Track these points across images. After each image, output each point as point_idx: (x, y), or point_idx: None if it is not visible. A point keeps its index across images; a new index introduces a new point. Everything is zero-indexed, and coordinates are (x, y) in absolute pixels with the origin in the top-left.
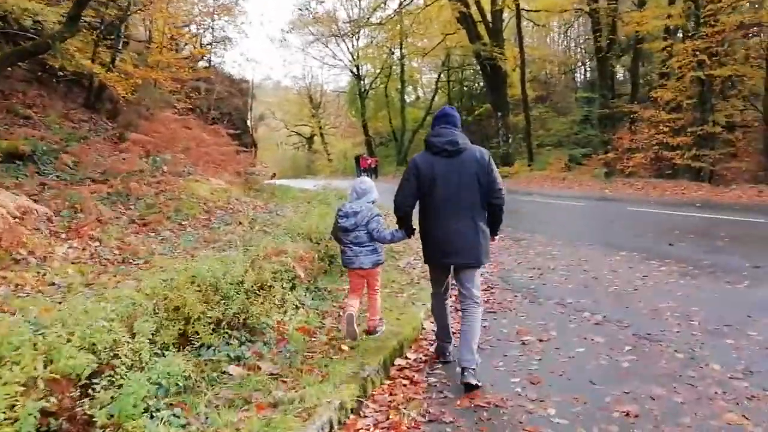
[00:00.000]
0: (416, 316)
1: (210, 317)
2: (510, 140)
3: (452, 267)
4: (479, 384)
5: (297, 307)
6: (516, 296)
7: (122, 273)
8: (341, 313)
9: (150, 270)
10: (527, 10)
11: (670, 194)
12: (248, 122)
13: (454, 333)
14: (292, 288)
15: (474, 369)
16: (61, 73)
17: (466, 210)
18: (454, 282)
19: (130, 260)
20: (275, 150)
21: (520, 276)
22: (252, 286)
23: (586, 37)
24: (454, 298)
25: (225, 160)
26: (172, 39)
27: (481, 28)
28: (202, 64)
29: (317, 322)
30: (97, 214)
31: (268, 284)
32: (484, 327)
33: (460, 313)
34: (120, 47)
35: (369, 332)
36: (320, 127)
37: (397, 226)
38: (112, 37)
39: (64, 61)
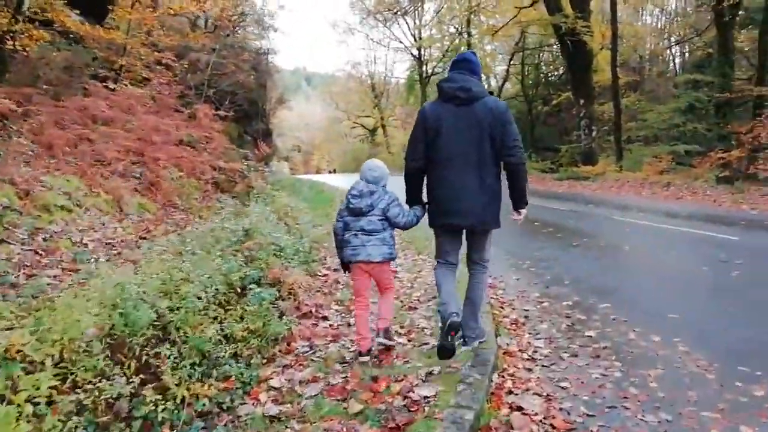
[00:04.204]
0: None
1: None
2: (594, 134)
3: (462, 232)
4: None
5: None
6: None
7: None
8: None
9: None
10: None
11: None
12: (263, 106)
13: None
14: None
15: (475, 336)
16: None
17: (474, 164)
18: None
19: None
20: (341, 142)
21: None
22: None
23: (696, 4)
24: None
25: (170, 152)
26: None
27: None
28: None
29: None
30: None
31: None
32: None
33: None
34: None
35: (378, 332)
36: (382, 118)
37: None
38: None
39: None
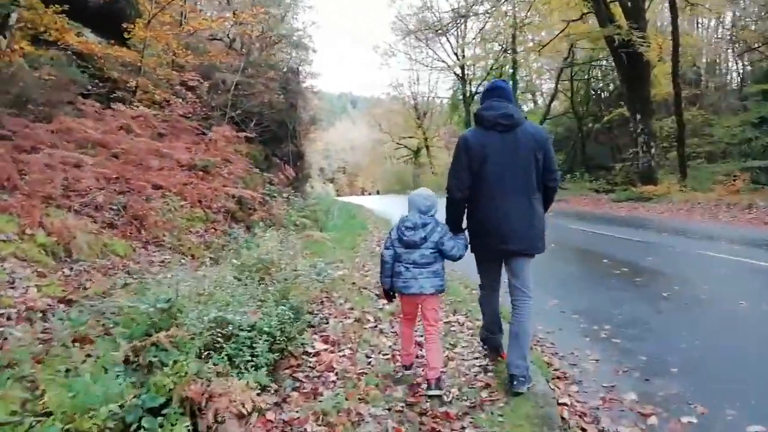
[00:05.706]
0: None
1: None
2: (653, 150)
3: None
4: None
5: None
6: None
7: None
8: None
9: None
10: None
11: None
12: (293, 127)
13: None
14: None
15: (525, 377)
16: None
17: (522, 190)
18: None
19: None
20: (384, 164)
21: None
22: None
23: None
24: None
25: (172, 178)
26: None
27: (616, 9)
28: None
29: None
30: None
31: None
32: None
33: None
34: None
35: (429, 384)
36: (425, 139)
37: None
38: None
39: None
